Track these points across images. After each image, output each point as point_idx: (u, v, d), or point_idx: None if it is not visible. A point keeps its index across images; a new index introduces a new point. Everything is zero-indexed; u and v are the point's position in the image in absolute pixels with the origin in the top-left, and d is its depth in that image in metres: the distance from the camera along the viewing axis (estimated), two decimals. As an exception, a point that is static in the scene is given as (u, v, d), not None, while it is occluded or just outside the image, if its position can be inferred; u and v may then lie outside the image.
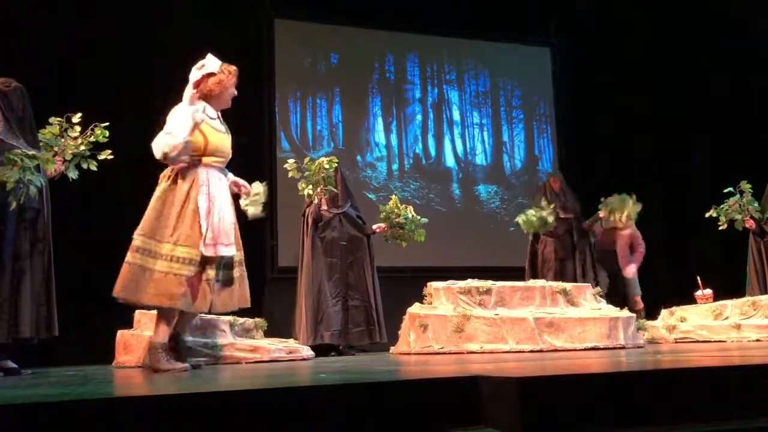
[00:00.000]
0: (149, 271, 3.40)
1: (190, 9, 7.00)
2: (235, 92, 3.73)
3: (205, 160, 3.56)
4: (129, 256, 3.47)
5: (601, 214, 6.45)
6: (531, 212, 6.33)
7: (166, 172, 3.58)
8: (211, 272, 3.46)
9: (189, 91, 3.65)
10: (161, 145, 3.45)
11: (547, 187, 6.63)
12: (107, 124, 3.81)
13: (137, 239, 3.50)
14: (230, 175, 3.76)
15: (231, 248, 3.52)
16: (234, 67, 3.73)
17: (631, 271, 6.38)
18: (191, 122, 3.48)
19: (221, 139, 3.65)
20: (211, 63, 3.69)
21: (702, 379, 1.98)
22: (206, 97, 3.64)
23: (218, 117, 3.71)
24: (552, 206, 6.35)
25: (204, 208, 3.46)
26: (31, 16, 6.27)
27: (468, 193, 8.33)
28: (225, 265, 3.55)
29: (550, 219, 6.28)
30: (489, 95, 8.64)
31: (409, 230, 5.85)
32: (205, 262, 3.44)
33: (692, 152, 8.14)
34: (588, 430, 1.77)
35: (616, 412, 1.82)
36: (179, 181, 3.52)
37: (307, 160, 5.49)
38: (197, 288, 3.42)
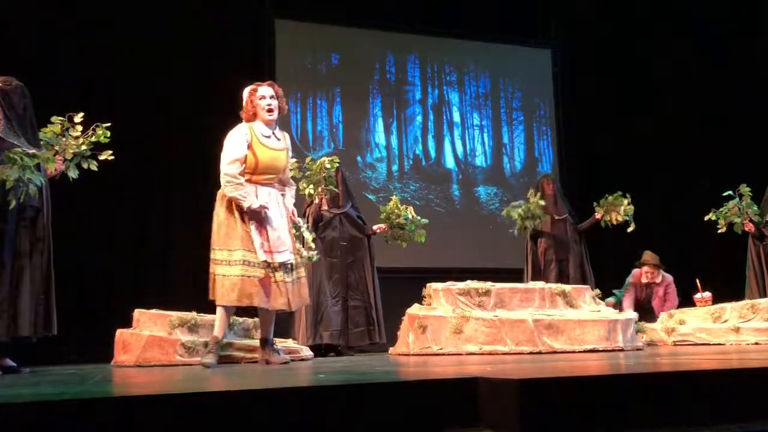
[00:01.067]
0: (225, 277, 3.75)
1: (190, 10, 7.01)
2: (269, 103, 3.90)
3: (255, 178, 3.85)
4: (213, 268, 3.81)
5: (597, 215, 6.47)
6: (516, 203, 6.39)
7: (221, 192, 3.86)
8: (278, 275, 3.80)
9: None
10: (223, 185, 3.83)
11: (539, 188, 6.64)
12: (109, 124, 3.81)
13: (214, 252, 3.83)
14: (288, 199, 4.06)
15: (284, 254, 3.84)
16: (253, 86, 3.96)
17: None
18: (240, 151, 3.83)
19: (272, 157, 3.88)
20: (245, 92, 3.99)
21: (700, 382, 1.98)
22: (250, 119, 3.93)
23: (273, 134, 3.94)
24: (539, 195, 6.37)
25: (255, 222, 3.79)
26: (33, 16, 6.27)
27: (468, 194, 8.33)
28: (287, 268, 3.86)
29: (538, 211, 6.29)
30: (489, 97, 8.65)
31: (409, 231, 5.85)
32: (269, 266, 3.78)
33: (692, 152, 8.15)
34: (586, 432, 1.77)
35: (614, 414, 1.82)
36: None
37: (308, 159, 5.49)
38: (269, 288, 3.78)
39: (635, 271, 6.77)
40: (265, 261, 3.76)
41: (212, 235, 3.84)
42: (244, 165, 3.80)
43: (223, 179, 3.79)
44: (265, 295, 3.76)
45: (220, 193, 3.87)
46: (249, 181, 3.83)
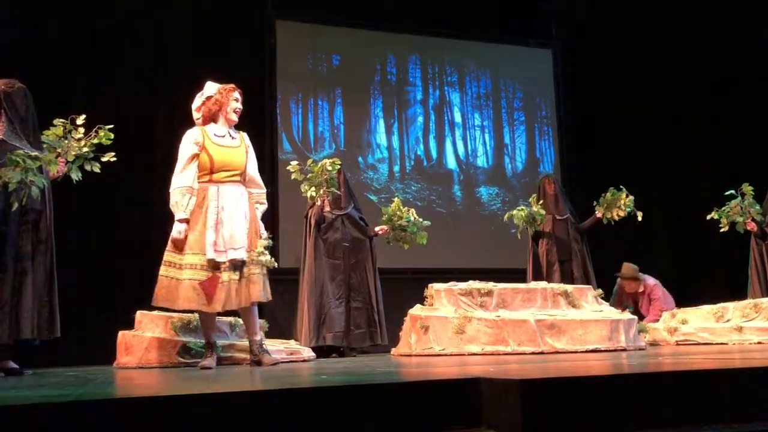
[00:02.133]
0: (175, 280, 3.83)
1: (192, 11, 7.01)
2: (238, 107, 4.05)
3: (214, 177, 3.92)
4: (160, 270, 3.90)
5: (598, 214, 6.47)
6: (521, 207, 6.41)
7: None
8: (224, 275, 3.81)
9: (194, 116, 4.08)
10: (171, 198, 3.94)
11: (541, 188, 6.64)
12: (111, 126, 3.82)
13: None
14: (259, 207, 4.10)
15: (239, 252, 3.84)
16: (230, 86, 4.07)
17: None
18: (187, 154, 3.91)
19: (227, 154, 3.96)
20: (208, 88, 4.07)
21: (703, 382, 1.98)
22: (208, 118, 4.03)
23: (228, 134, 4.03)
24: (540, 203, 6.40)
25: (213, 219, 3.84)
26: (34, 16, 6.28)
27: (469, 194, 8.33)
28: (236, 266, 3.85)
29: (539, 216, 6.32)
30: (490, 97, 8.64)
31: (411, 233, 5.85)
32: (216, 266, 3.82)
33: (694, 152, 8.14)
34: (589, 432, 1.77)
35: (617, 414, 1.82)
36: (197, 200, 3.92)
37: (310, 161, 5.48)
38: (213, 290, 3.80)
39: (619, 281, 6.84)
40: (212, 260, 3.80)
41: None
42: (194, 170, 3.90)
43: (172, 191, 3.91)
44: (207, 299, 3.79)
45: None
46: (209, 181, 3.91)
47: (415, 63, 8.36)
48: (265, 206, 4.15)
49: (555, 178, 7.08)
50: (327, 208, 5.71)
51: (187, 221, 3.85)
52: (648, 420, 1.82)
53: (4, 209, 3.68)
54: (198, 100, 4.07)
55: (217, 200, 3.88)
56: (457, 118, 8.45)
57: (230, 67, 7.13)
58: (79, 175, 3.75)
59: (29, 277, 3.74)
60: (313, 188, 5.49)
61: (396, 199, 6.14)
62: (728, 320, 5.42)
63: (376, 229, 5.88)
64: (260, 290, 3.88)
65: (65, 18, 6.42)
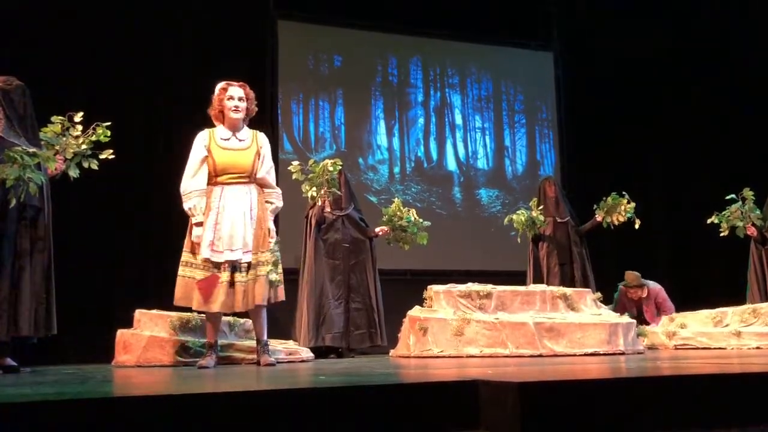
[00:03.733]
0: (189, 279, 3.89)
1: (193, 10, 7.01)
2: (234, 105, 3.99)
3: (218, 179, 3.94)
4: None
5: (598, 217, 6.47)
6: (521, 211, 6.41)
7: None
8: (225, 275, 3.82)
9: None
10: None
11: (541, 191, 6.64)
12: (109, 123, 3.81)
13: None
14: (269, 206, 4.06)
15: (236, 253, 3.84)
16: (222, 84, 4.05)
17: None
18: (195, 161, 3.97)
19: (230, 157, 3.96)
20: (216, 88, 4.09)
21: (701, 387, 1.98)
22: (218, 118, 4.05)
23: (233, 136, 4.02)
24: (540, 208, 6.40)
25: (212, 219, 3.86)
26: (35, 15, 6.27)
27: (469, 196, 8.33)
28: (240, 268, 3.86)
29: (538, 221, 6.32)
30: (491, 99, 8.65)
31: (411, 233, 5.85)
32: (216, 266, 3.84)
33: (694, 156, 8.14)
34: (587, 435, 1.76)
35: (614, 417, 1.82)
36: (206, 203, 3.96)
37: (311, 162, 5.48)
38: (211, 290, 3.82)
39: (621, 287, 6.80)
40: (208, 259, 3.81)
41: None
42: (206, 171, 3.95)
43: (184, 197, 3.95)
44: (204, 298, 3.80)
45: None
46: (214, 183, 3.93)
47: (417, 65, 8.36)
48: (274, 205, 4.10)
49: (555, 180, 7.08)
50: (327, 209, 5.70)
51: (202, 224, 3.87)
52: (646, 424, 1.82)
53: (2, 206, 3.68)
54: (215, 93, 4.08)
55: (218, 201, 3.89)
56: (458, 119, 8.45)
57: (231, 67, 7.12)
58: (78, 172, 3.74)
59: (27, 274, 3.74)
60: (314, 188, 5.49)
61: (396, 199, 6.14)
62: (727, 325, 5.41)
63: (377, 229, 5.88)
64: (263, 293, 3.84)
65: (66, 16, 6.41)
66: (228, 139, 3.99)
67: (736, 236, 6.11)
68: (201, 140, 3.98)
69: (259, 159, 4.03)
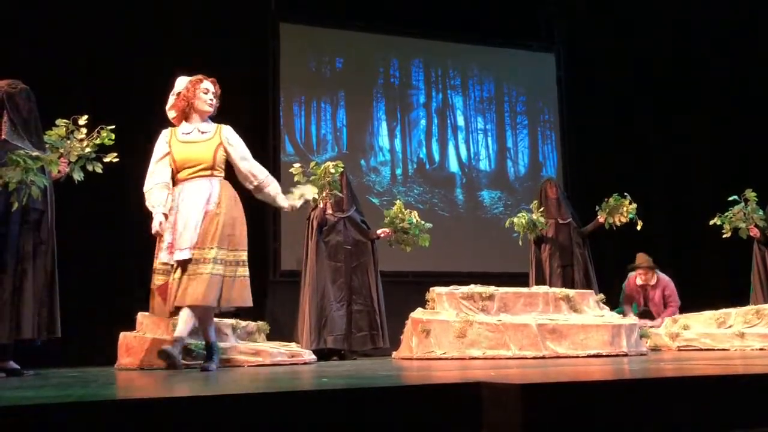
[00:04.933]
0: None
1: (195, 13, 7.02)
2: (208, 98, 3.89)
3: (179, 176, 3.83)
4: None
5: (600, 219, 6.46)
6: (522, 214, 6.41)
7: None
8: (176, 274, 3.68)
9: (169, 117, 3.99)
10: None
11: (542, 193, 6.64)
12: (113, 126, 3.82)
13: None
14: (273, 191, 3.98)
15: (185, 253, 3.66)
16: (198, 77, 3.92)
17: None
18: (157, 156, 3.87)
19: (189, 149, 3.83)
20: (178, 84, 3.94)
21: (705, 388, 1.97)
22: (181, 116, 3.92)
23: (196, 129, 3.89)
24: (541, 210, 6.40)
25: (171, 221, 3.74)
26: (39, 18, 6.29)
27: (471, 198, 8.32)
28: (184, 265, 3.68)
29: (539, 223, 6.33)
30: (493, 101, 8.65)
31: (413, 235, 5.85)
32: (171, 268, 3.71)
33: (696, 156, 8.13)
34: (590, 437, 1.76)
35: (618, 419, 1.82)
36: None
37: (312, 164, 5.49)
38: (166, 293, 3.71)
39: (630, 275, 6.74)
40: (166, 263, 3.72)
41: None
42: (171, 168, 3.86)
43: (146, 195, 3.89)
44: (164, 302, 3.72)
45: None
46: (176, 182, 3.84)
47: (418, 66, 8.37)
48: (274, 185, 3.99)
49: (557, 182, 7.08)
50: (329, 211, 5.71)
51: (166, 216, 3.76)
52: (649, 425, 1.82)
53: (5, 209, 3.68)
54: (171, 99, 3.95)
55: (178, 199, 3.78)
56: (460, 121, 8.45)
57: (233, 69, 7.14)
58: (81, 175, 3.75)
59: (30, 277, 3.74)
60: (316, 190, 5.49)
61: (398, 201, 6.15)
62: (730, 326, 5.41)
63: (378, 231, 5.89)
64: (201, 293, 3.58)
65: (68, 19, 6.42)
66: (189, 133, 3.88)
67: (739, 237, 6.11)
68: (163, 138, 3.90)
69: (224, 150, 3.87)
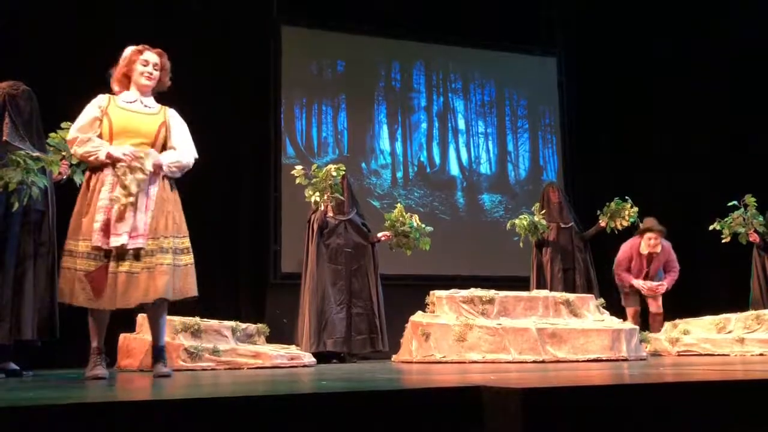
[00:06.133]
0: (72, 271, 3.21)
1: (197, 16, 7.03)
2: (146, 71, 3.45)
3: (114, 144, 3.31)
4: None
5: (602, 223, 6.46)
6: (523, 216, 6.42)
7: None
8: (112, 264, 3.19)
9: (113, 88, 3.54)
10: (73, 152, 3.38)
11: (545, 196, 6.64)
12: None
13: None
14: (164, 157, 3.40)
15: (121, 237, 3.17)
16: (140, 46, 3.51)
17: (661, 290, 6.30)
18: (86, 117, 3.36)
19: (131, 118, 3.38)
20: (123, 54, 3.52)
21: (704, 393, 1.97)
22: (121, 82, 3.48)
23: (139, 100, 3.46)
24: (543, 213, 6.41)
25: (105, 198, 3.21)
26: (42, 21, 6.30)
27: (472, 201, 8.33)
28: (132, 256, 3.20)
29: (541, 225, 6.34)
30: (494, 104, 8.65)
31: (413, 238, 5.86)
32: (107, 255, 3.20)
33: (696, 161, 8.13)
34: (590, 442, 1.76)
35: (617, 424, 1.82)
36: (92, 174, 3.32)
37: (314, 167, 5.50)
38: (103, 283, 3.17)
39: (630, 241, 6.42)
40: (98, 247, 3.16)
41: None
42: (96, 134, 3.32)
43: (70, 148, 3.36)
44: (94, 293, 3.16)
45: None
46: None
47: (420, 70, 8.37)
48: (167, 167, 3.36)
49: (559, 186, 7.09)
50: (330, 214, 5.71)
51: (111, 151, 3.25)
52: (649, 430, 1.81)
53: (6, 210, 3.69)
54: (125, 53, 3.52)
55: (112, 175, 3.23)
56: (461, 124, 8.45)
57: (235, 72, 7.17)
58: (83, 178, 3.75)
59: (30, 277, 3.75)
60: (317, 193, 5.51)
61: (399, 205, 6.15)
62: (730, 331, 5.40)
63: (379, 234, 5.89)
64: (164, 285, 3.17)
65: (71, 21, 6.43)
66: (132, 102, 3.43)
67: (738, 243, 6.11)
68: (97, 101, 3.40)
69: (166, 130, 3.44)
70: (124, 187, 3.20)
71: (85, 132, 3.31)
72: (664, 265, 6.47)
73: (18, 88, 3.93)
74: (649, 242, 6.26)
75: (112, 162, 3.24)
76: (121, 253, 3.18)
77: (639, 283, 6.33)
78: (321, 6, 7.83)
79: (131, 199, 3.19)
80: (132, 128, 3.36)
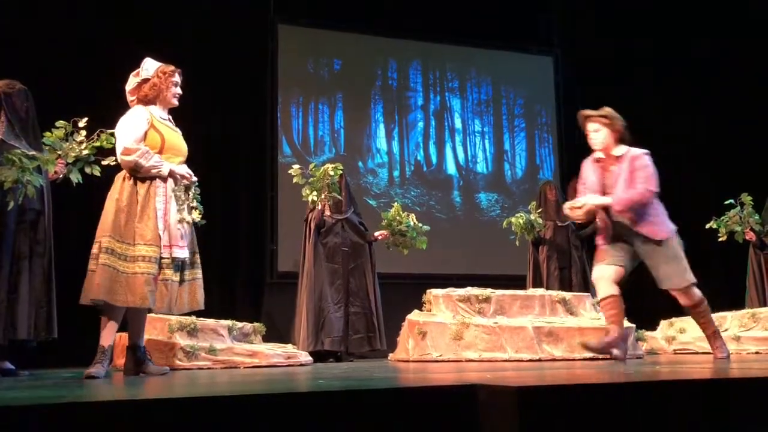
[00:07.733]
0: (121, 273, 3.38)
1: (195, 14, 7.02)
2: (178, 92, 3.70)
3: (162, 158, 3.54)
4: (101, 258, 3.43)
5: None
6: (520, 214, 6.42)
7: (123, 172, 3.56)
8: (168, 272, 3.43)
9: (128, 99, 3.71)
10: (131, 162, 3.47)
11: (541, 195, 6.65)
12: (113, 130, 3.81)
13: (104, 240, 3.47)
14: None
15: (184, 251, 3.49)
16: (171, 68, 3.73)
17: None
18: (141, 129, 3.53)
19: (177, 138, 3.66)
20: (146, 67, 3.72)
21: (700, 392, 1.98)
22: (145, 102, 3.64)
23: (169, 118, 3.70)
24: (539, 211, 6.41)
25: (161, 209, 3.45)
26: (38, 20, 6.29)
27: (469, 200, 8.33)
28: (179, 266, 3.49)
29: (537, 224, 6.34)
30: (491, 103, 8.66)
31: (410, 238, 5.86)
32: (162, 262, 3.43)
33: (693, 161, 8.15)
34: (585, 440, 1.77)
35: (613, 422, 1.82)
36: (138, 181, 3.50)
37: (312, 166, 5.51)
38: (157, 288, 3.42)
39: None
40: (166, 257, 3.42)
41: (102, 223, 3.53)
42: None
43: (128, 156, 3.45)
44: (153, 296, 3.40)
45: (119, 176, 3.56)
46: None
47: (416, 68, 8.37)
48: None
49: (556, 184, 7.09)
50: (327, 213, 5.71)
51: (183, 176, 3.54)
52: (645, 429, 1.82)
53: (1, 209, 3.68)
54: (132, 81, 3.71)
55: (165, 187, 3.49)
56: (458, 123, 8.46)
57: (231, 70, 7.16)
58: (79, 177, 3.73)
59: (26, 277, 3.74)
60: (314, 192, 5.51)
61: (396, 204, 6.16)
62: (726, 330, 5.42)
63: (376, 234, 5.89)
64: (202, 296, 3.55)
65: (68, 20, 6.42)
66: (165, 120, 3.67)
67: (734, 241, 6.12)
68: (143, 114, 3.56)
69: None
70: (192, 208, 3.56)
71: (140, 143, 3.49)
72: (631, 175, 4.21)
73: (14, 86, 3.92)
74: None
75: (168, 177, 3.50)
76: (168, 263, 3.43)
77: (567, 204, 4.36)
78: (318, 5, 7.83)
79: (196, 216, 3.56)
80: (177, 146, 3.63)
